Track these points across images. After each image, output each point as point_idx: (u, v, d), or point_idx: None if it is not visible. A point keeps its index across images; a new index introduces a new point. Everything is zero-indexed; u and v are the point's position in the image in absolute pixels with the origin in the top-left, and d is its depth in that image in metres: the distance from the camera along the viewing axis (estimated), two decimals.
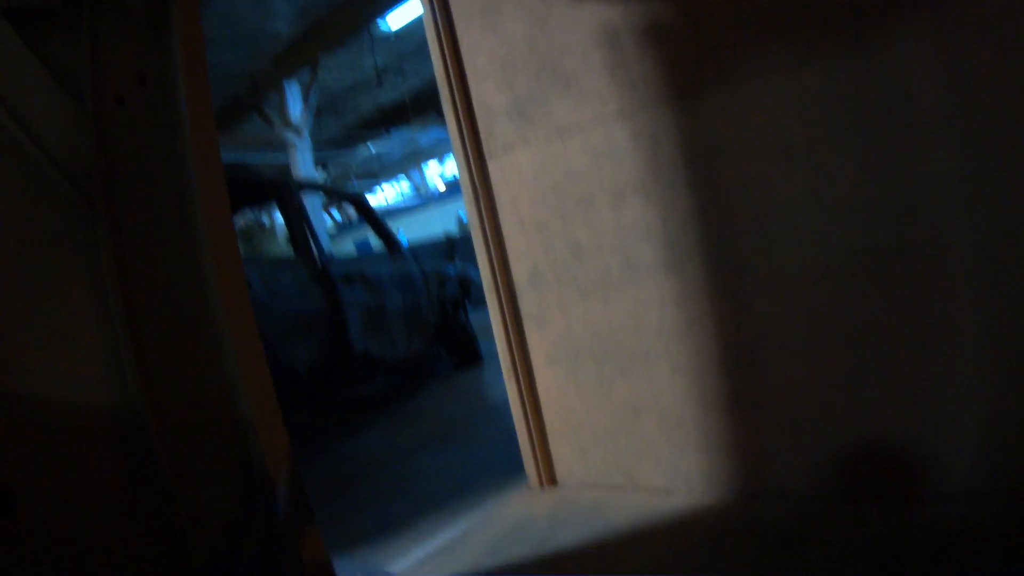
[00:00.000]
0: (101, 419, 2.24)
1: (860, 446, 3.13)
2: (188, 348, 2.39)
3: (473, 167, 3.92)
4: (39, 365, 2.17)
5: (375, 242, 9.37)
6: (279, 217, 7.82)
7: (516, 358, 4.01)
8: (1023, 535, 2.56)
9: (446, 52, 3.97)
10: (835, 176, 2.98)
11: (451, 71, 3.95)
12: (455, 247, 12.53)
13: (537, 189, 3.75)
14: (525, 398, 4.02)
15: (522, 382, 4.02)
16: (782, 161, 3.08)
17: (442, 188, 40.09)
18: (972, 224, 2.73)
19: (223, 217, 2.54)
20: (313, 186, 12.18)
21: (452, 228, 27.23)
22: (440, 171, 41.00)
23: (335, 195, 12.11)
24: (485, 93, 3.88)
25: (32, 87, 2.32)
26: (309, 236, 7.07)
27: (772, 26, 3.03)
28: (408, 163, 38.97)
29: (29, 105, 2.29)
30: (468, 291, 9.43)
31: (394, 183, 44.42)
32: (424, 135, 31.19)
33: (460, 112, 3.92)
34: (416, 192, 42.65)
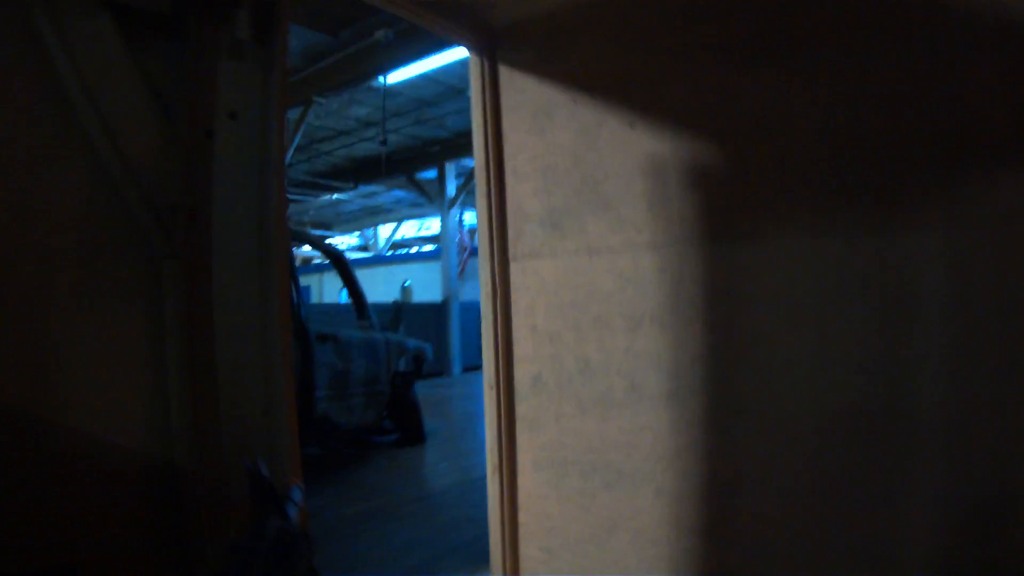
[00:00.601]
0: (135, 468, 2.21)
1: None
2: (238, 402, 2.36)
3: (496, 265, 4.01)
4: (82, 397, 2.15)
5: (315, 292, 9.23)
6: None
7: (504, 456, 4.08)
8: None
9: (490, 144, 4.08)
10: (838, 340, 3.14)
11: (491, 166, 4.05)
12: (401, 316, 12.47)
13: (556, 300, 3.86)
14: (505, 494, 4.09)
15: (505, 480, 4.09)
16: (792, 318, 3.24)
17: (389, 251, 39.97)
18: (947, 399, 2.94)
19: (285, 264, 2.54)
20: (301, 237, 12.15)
21: (396, 292, 27.15)
22: (392, 234, 40.87)
23: (318, 247, 12.05)
24: (521, 195, 3.98)
25: (129, 100, 2.27)
26: (294, 290, 7.08)
27: (807, 190, 3.21)
28: (364, 220, 38.80)
29: (122, 119, 2.24)
30: (420, 367, 9.46)
31: (344, 237, 44.21)
32: (386, 195, 31.15)
33: (493, 208, 4.02)
34: (364, 245, 42.43)
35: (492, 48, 4.15)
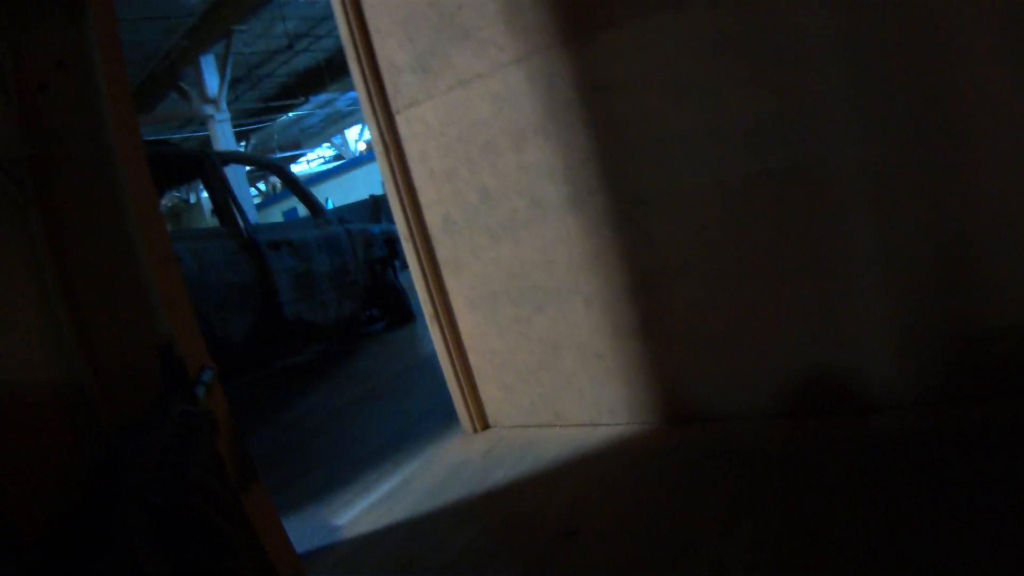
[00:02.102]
0: (45, 394, 2.28)
1: (770, 364, 3.26)
2: (121, 315, 2.46)
3: (382, 123, 3.96)
4: None
5: (302, 210, 9.37)
6: (205, 195, 7.83)
7: (437, 304, 4.10)
8: (941, 442, 2.68)
9: (349, 13, 3.99)
10: (726, 106, 3.07)
11: (355, 32, 3.97)
12: (380, 207, 12.45)
13: (443, 139, 3.82)
14: (450, 343, 4.12)
15: (445, 328, 4.11)
16: (674, 95, 3.17)
17: (363, 148, 39.72)
18: (866, 151, 2.86)
19: (147, 192, 2.61)
20: (233, 157, 12.09)
21: (377, 190, 27.09)
22: (360, 134, 40.59)
23: (255, 163, 12.14)
24: (389, 50, 3.91)
25: None
26: (234, 206, 7.09)
27: None
28: (329, 129, 38.58)
29: None
30: (395, 250, 9.44)
31: (317, 150, 44.01)
32: (342, 99, 30.90)
33: (367, 71, 3.95)
34: (338, 155, 42.23)
35: None
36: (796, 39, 2.88)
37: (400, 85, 3.91)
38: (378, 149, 4.04)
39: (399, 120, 3.96)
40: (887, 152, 2.82)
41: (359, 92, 4.05)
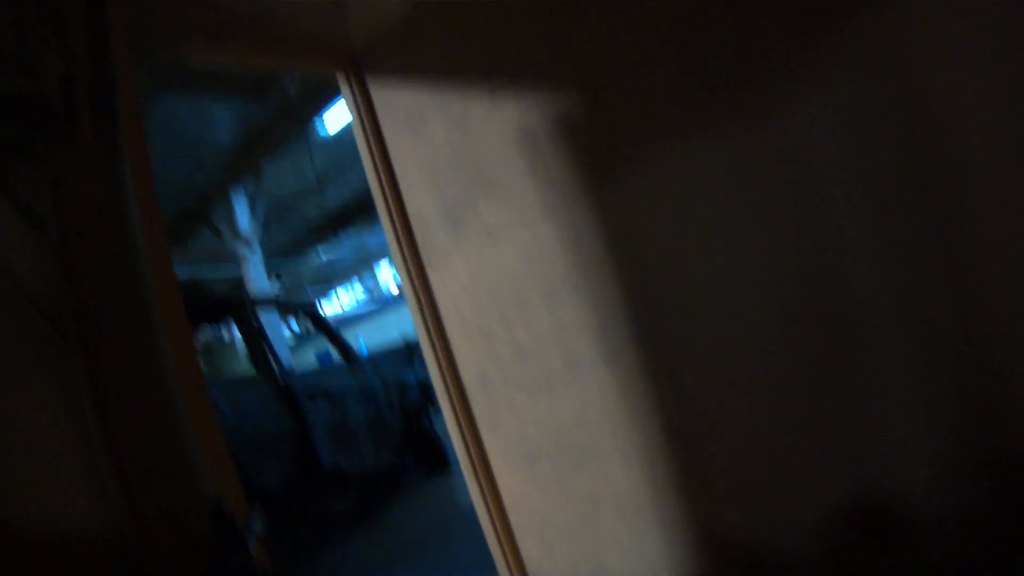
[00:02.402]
0: (91, 547, 2.29)
1: (810, 508, 3.16)
2: (164, 465, 2.45)
3: (414, 276, 3.98)
4: (25, 494, 2.22)
5: (336, 354, 9.47)
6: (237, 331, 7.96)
7: (475, 461, 4.04)
8: (986, 569, 2.60)
9: (378, 163, 4.07)
10: (745, 250, 3.06)
11: (384, 182, 4.04)
12: (414, 352, 12.37)
13: (475, 294, 3.81)
14: (489, 501, 4.04)
15: (484, 485, 4.04)
16: (695, 242, 3.17)
17: (395, 291, 40.03)
18: (888, 276, 2.82)
19: (184, 338, 2.64)
20: (267, 302, 12.20)
21: (410, 331, 27.07)
22: (392, 273, 40.95)
23: (290, 310, 12.32)
24: (418, 201, 3.95)
25: (2, 224, 2.39)
26: (269, 354, 7.13)
27: (673, 113, 3.14)
28: (360, 267, 38.96)
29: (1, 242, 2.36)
30: (431, 397, 9.42)
31: (348, 288, 44.38)
32: (372, 237, 31.23)
33: (396, 222, 4.00)
34: (370, 296, 42.53)
35: (357, 67, 4.14)
36: (811, 177, 2.89)
37: (430, 237, 3.93)
38: (411, 302, 4.05)
39: (431, 273, 3.98)
40: (911, 282, 2.77)
41: (390, 244, 4.09)
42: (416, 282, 3.98)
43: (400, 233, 3.98)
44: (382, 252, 35.27)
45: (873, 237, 2.81)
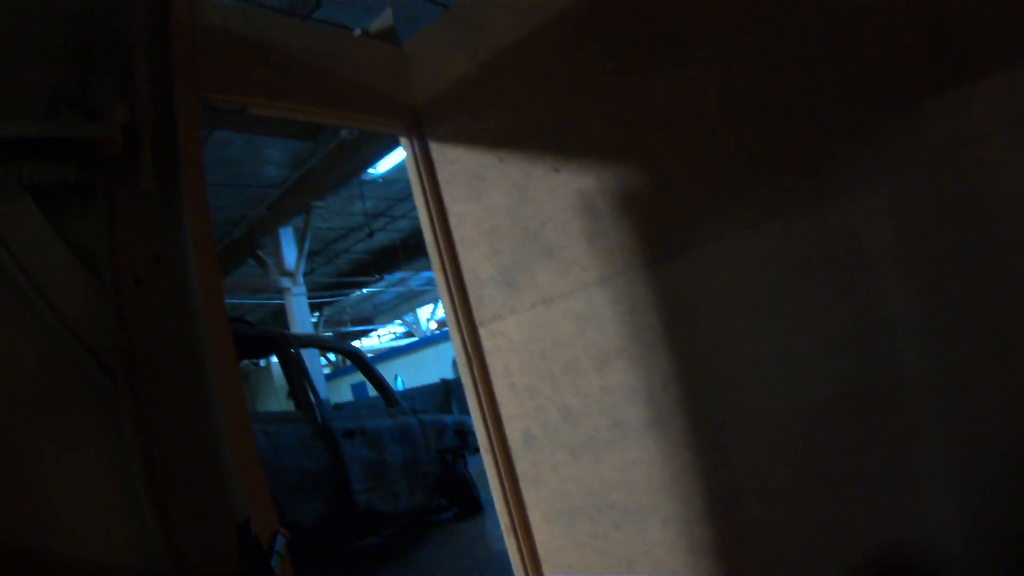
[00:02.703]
0: None
1: None
2: (203, 507, 2.52)
3: (466, 335, 4.06)
4: (64, 526, 2.30)
5: (369, 386, 9.52)
6: (275, 359, 8.06)
7: (514, 516, 4.10)
8: None
9: (435, 221, 4.17)
10: (797, 328, 3.13)
11: (440, 240, 4.14)
12: (451, 392, 12.46)
13: (526, 355, 3.89)
14: (525, 555, 4.10)
15: (521, 540, 4.10)
16: (748, 317, 3.24)
17: (435, 328, 40.01)
18: (931, 360, 2.88)
19: (233, 379, 2.71)
20: (309, 341, 12.31)
21: (447, 370, 27.11)
22: (432, 313, 40.92)
23: (332, 350, 12.38)
24: (473, 261, 4.04)
25: (56, 265, 2.50)
26: (309, 391, 7.24)
27: (731, 183, 3.24)
28: (402, 306, 39.02)
29: (53, 282, 2.47)
30: (466, 440, 9.47)
31: (388, 327, 44.40)
32: (415, 279, 31.31)
33: (451, 281, 4.08)
34: (409, 335, 42.52)
35: (419, 126, 4.25)
36: (865, 259, 2.96)
37: (484, 298, 4.01)
38: (461, 360, 4.12)
39: (482, 332, 4.05)
40: (955, 364, 2.83)
41: (443, 302, 4.17)
42: (468, 340, 4.07)
43: (454, 292, 4.06)
44: (423, 294, 35.32)
45: (922, 319, 2.88)
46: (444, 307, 4.18)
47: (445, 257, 4.08)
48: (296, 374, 7.30)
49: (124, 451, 2.45)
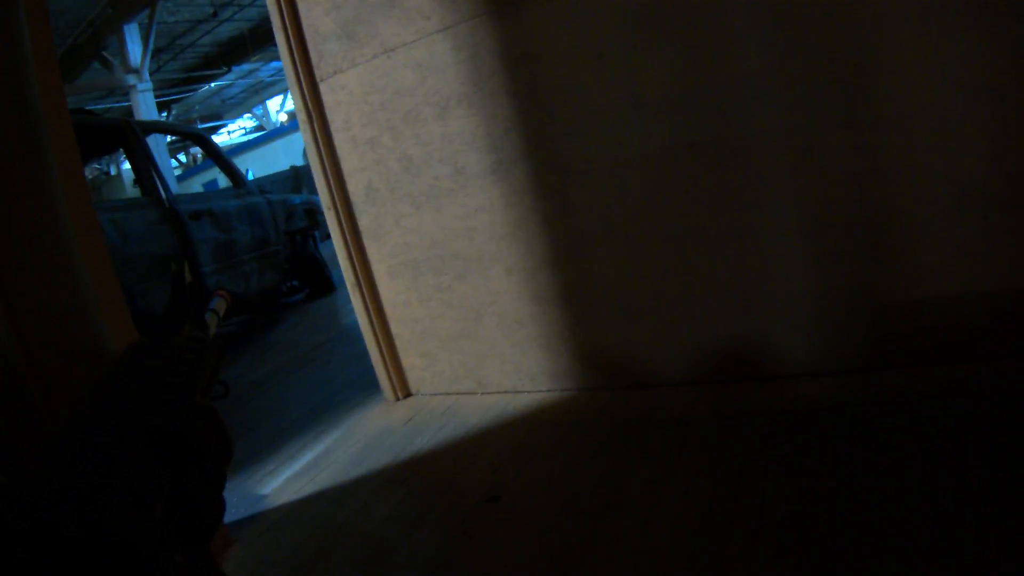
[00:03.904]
0: None
1: (690, 332, 3.32)
2: (49, 291, 2.45)
3: (306, 91, 3.93)
4: None
5: (222, 182, 9.26)
6: (125, 166, 7.80)
7: (359, 273, 4.10)
8: (851, 408, 2.77)
9: None
10: (645, 78, 3.12)
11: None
12: (301, 178, 12.26)
13: (367, 107, 3.80)
14: (371, 312, 4.13)
15: (367, 296, 4.12)
16: (595, 66, 3.21)
17: (285, 120, 39.25)
18: (778, 115, 2.92)
19: (73, 159, 2.61)
20: (155, 126, 11.94)
21: (298, 160, 26.81)
22: (282, 105, 40.08)
23: (177, 133, 12.01)
24: (315, 18, 3.87)
25: None
26: (155, 176, 7.03)
27: None
28: (251, 99, 38.12)
29: None
30: (316, 220, 9.41)
31: (238, 121, 43.43)
32: (264, 69, 30.54)
33: (292, 39, 3.90)
34: (260, 128, 41.69)
35: None
36: (718, 12, 2.92)
37: (325, 53, 3.87)
38: (301, 117, 4.01)
39: (323, 88, 3.93)
40: (806, 125, 2.88)
41: (284, 60, 4.01)
42: (308, 96, 3.93)
43: (295, 48, 3.89)
44: (273, 86, 34.53)
45: (776, 80, 2.90)
46: (284, 66, 4.01)
47: (286, 13, 3.90)
48: (141, 160, 7.06)
49: None
